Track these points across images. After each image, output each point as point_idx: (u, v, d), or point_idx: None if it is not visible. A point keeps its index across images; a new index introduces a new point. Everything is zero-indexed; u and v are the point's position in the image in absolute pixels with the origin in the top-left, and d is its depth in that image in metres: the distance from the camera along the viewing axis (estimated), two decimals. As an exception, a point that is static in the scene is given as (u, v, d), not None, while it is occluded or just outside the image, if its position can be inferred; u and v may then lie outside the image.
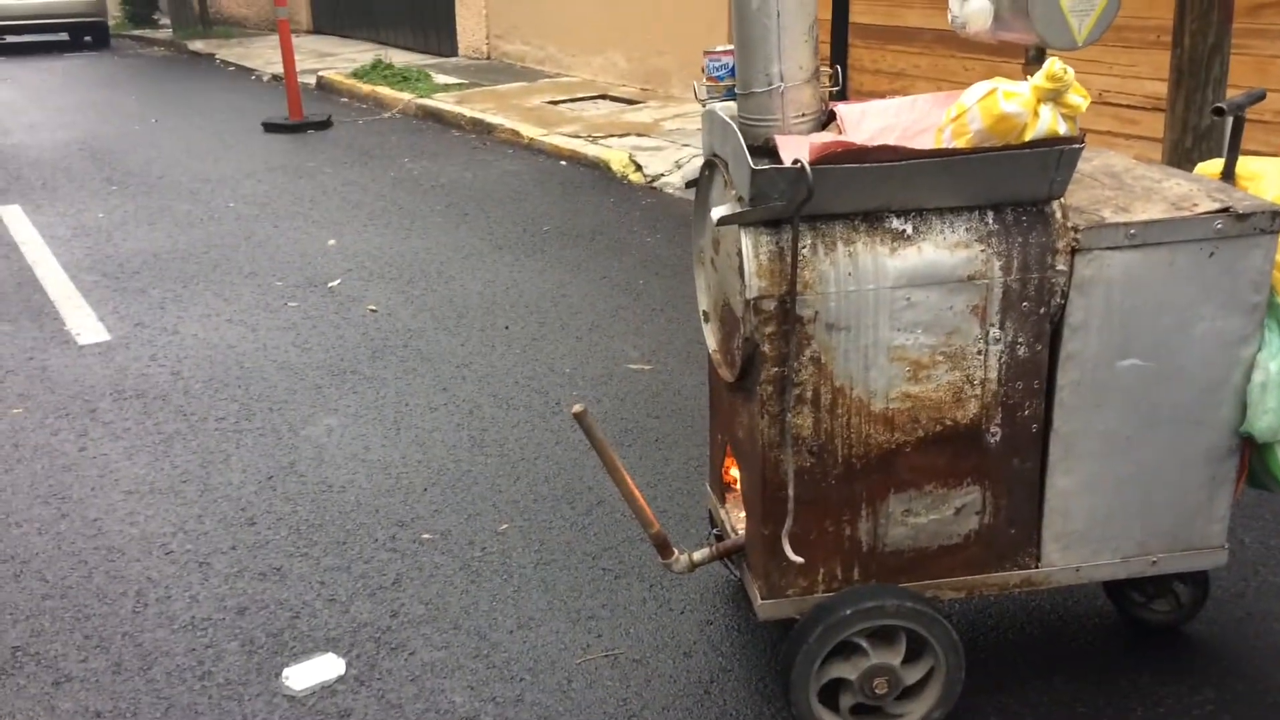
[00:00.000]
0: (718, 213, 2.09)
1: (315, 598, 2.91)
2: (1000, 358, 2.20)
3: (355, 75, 11.01)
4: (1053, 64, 1.96)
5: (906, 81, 7.60)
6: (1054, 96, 1.98)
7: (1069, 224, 2.15)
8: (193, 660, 2.67)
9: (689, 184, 2.43)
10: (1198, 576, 2.62)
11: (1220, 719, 2.40)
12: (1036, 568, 2.37)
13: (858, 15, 7.92)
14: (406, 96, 9.90)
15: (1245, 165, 2.37)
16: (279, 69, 12.68)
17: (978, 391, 2.22)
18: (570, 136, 8.01)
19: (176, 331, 4.76)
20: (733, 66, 2.28)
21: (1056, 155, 2.05)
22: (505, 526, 3.22)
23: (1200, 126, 4.31)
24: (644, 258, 5.63)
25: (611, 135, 8.03)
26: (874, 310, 2.13)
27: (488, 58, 12.14)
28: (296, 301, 5.11)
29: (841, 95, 8.24)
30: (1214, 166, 2.44)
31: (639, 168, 7.22)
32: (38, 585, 2.99)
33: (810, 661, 2.22)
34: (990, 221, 2.14)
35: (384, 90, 10.32)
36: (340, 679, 2.60)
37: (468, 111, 9.05)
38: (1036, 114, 1.99)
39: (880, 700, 2.28)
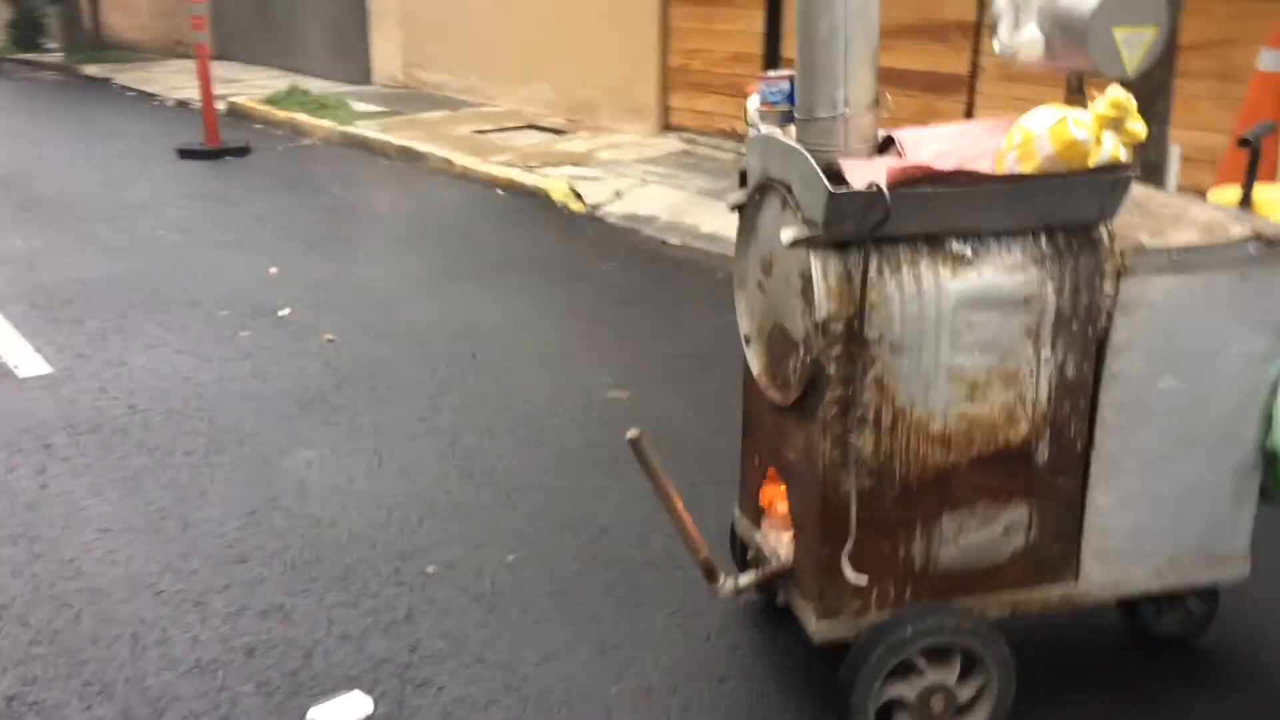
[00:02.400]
0: (788, 235, 2.10)
1: (326, 635, 2.79)
2: (1051, 378, 2.25)
3: (270, 101, 10.75)
4: (1116, 92, 2.03)
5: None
6: (1116, 124, 2.05)
7: (1116, 248, 2.22)
8: (207, 705, 2.53)
9: (734, 208, 2.43)
10: (1209, 590, 2.72)
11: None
12: (1076, 584, 2.42)
13: (791, 51, 8.09)
14: (327, 124, 9.71)
15: (1260, 193, 2.49)
16: (183, 94, 12.36)
17: (1029, 411, 2.26)
18: (505, 165, 7.96)
19: (124, 363, 4.55)
20: (790, 92, 2.30)
21: (1113, 181, 2.12)
22: (512, 557, 3.15)
23: (1150, 160, 4.51)
24: (601, 286, 5.61)
25: (547, 164, 8.00)
26: (935, 331, 2.16)
27: (405, 86, 12.00)
28: (248, 331, 4.93)
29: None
30: (1228, 194, 2.55)
31: (579, 197, 7.21)
32: (21, 631, 2.79)
33: (871, 681, 2.23)
34: (1044, 245, 2.19)
35: (302, 117, 10.10)
36: (369, 718, 2.50)
37: (395, 140, 8.92)
38: (1099, 141, 2.06)
39: (937, 719, 2.29)
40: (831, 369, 2.15)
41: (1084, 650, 2.75)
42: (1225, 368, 2.33)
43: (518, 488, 3.55)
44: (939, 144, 2.24)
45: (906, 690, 2.27)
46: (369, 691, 2.58)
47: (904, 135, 2.28)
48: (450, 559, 3.14)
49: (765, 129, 2.36)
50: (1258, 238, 2.27)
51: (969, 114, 7.07)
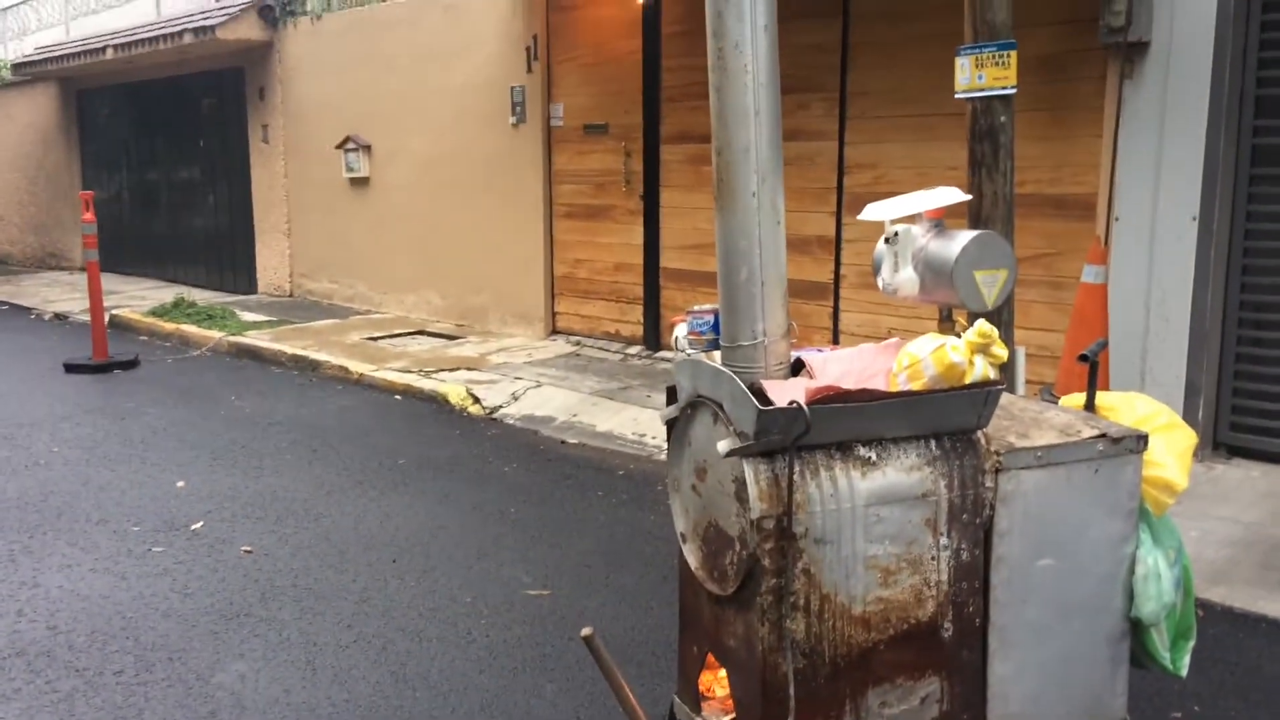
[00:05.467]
0: (724, 446, 2.44)
1: (283, 847, 2.86)
2: (949, 562, 2.61)
3: (155, 313, 10.86)
4: (981, 325, 2.48)
5: (716, 319, 8.35)
6: (984, 349, 2.49)
7: (992, 449, 2.64)
8: None
9: (667, 422, 2.78)
10: (1097, 747, 3.05)
11: None
12: (985, 747, 2.72)
13: (668, 261, 8.74)
14: (217, 334, 9.86)
15: (1101, 399, 2.97)
16: (60, 307, 12.35)
17: (934, 592, 2.61)
18: (401, 371, 8.24)
19: (38, 584, 4.53)
20: (714, 323, 2.69)
21: (986, 395, 2.56)
22: (457, 758, 3.27)
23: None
24: (507, 487, 5.85)
25: (442, 369, 8.31)
26: (851, 525, 2.51)
27: (290, 295, 12.27)
28: (162, 547, 4.98)
29: (655, 332, 8.86)
30: (1075, 400, 3.03)
31: (477, 400, 7.51)
32: None
33: None
34: (934, 448, 2.59)
35: (190, 328, 10.23)
36: None
37: (288, 348, 9.12)
38: (972, 363, 2.49)
39: None
40: (766, 561, 2.46)
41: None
42: (1090, 548, 2.74)
43: (454, 689, 3.69)
44: (841, 365, 2.65)
45: None
46: None
47: (811, 357, 2.69)
48: (396, 763, 3.25)
49: (693, 353, 2.73)
50: (1104, 437, 2.72)
51: (835, 316, 7.75)
